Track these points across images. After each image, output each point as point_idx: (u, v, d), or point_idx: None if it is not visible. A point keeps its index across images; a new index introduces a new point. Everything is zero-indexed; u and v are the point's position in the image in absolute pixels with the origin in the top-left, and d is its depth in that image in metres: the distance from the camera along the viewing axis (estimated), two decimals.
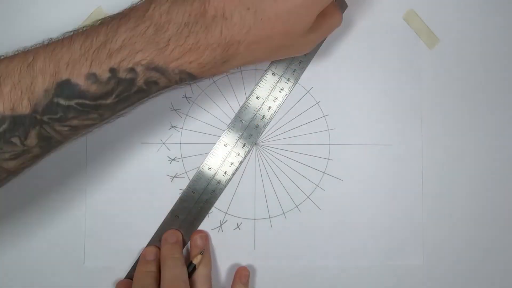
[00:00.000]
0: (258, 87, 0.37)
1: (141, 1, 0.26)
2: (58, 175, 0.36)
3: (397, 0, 0.38)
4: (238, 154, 0.37)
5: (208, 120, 0.38)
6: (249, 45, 0.26)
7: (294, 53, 0.31)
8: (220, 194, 0.37)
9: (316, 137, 0.38)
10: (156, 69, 0.25)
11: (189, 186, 0.37)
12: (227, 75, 0.38)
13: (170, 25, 0.25)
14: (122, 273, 0.37)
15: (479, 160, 0.39)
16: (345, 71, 0.38)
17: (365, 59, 0.38)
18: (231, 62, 0.27)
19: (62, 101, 0.25)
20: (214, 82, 0.38)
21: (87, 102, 0.25)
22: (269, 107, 0.37)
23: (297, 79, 0.37)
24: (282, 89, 0.37)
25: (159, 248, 0.36)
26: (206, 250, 0.35)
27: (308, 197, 0.38)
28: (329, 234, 0.38)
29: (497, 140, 0.39)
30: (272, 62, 0.37)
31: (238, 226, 0.37)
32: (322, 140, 0.38)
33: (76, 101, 0.25)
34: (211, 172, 0.37)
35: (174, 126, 0.37)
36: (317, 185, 0.38)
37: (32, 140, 0.26)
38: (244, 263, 0.37)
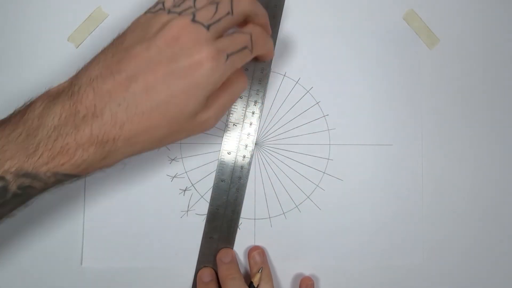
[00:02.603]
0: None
1: (24, 105, 0.26)
2: None
3: (397, 0, 0.38)
4: (244, 157, 0.37)
5: None
6: (127, 140, 0.26)
7: (194, 133, 0.29)
8: (242, 202, 0.37)
9: (316, 137, 0.38)
10: (26, 175, 0.25)
11: (211, 205, 0.37)
12: None
13: (40, 129, 0.25)
14: (120, 274, 0.36)
15: (479, 160, 0.39)
16: (345, 71, 0.38)
17: (365, 59, 0.38)
18: (112, 157, 0.27)
19: None
20: None
21: None
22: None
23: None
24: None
25: (213, 269, 0.36)
26: (264, 266, 0.35)
27: (308, 197, 0.38)
28: (329, 234, 0.38)
29: (497, 140, 0.39)
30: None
31: (238, 226, 0.37)
32: (322, 140, 0.38)
33: None
34: (225, 185, 0.37)
35: None
36: (317, 185, 0.38)
37: None
38: (244, 263, 0.37)
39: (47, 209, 0.36)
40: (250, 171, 0.37)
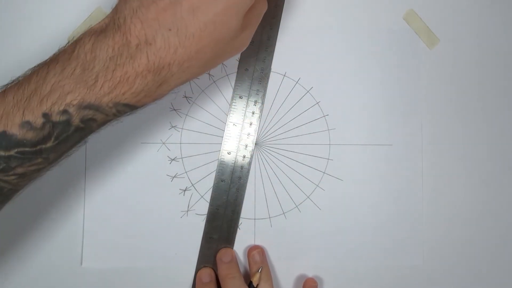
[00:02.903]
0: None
1: (68, 44, 0.27)
2: (56, 175, 0.36)
3: (397, 0, 0.38)
4: (244, 157, 0.37)
5: (208, 120, 0.38)
6: (181, 64, 0.26)
7: (231, 56, 0.30)
8: (242, 202, 0.37)
9: (316, 137, 0.38)
10: (89, 106, 0.26)
11: (211, 205, 0.37)
12: (227, 75, 0.38)
13: (96, 61, 0.25)
14: (120, 274, 0.36)
15: (479, 160, 0.39)
16: (345, 71, 0.38)
17: (365, 59, 0.38)
18: (167, 84, 0.27)
19: (2, 153, 0.25)
20: (214, 82, 0.38)
21: (27, 149, 0.26)
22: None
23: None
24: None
25: (213, 269, 0.37)
26: (264, 265, 0.36)
27: (308, 197, 0.38)
28: (329, 234, 0.38)
29: (497, 140, 0.39)
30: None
31: (238, 226, 0.37)
32: (322, 140, 0.38)
33: (16, 150, 0.26)
34: (225, 185, 0.37)
35: (174, 126, 0.37)
36: (317, 185, 0.38)
37: None
38: (244, 262, 0.37)
39: (47, 209, 0.36)
40: (250, 171, 0.37)
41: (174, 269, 0.37)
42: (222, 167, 0.37)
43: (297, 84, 0.38)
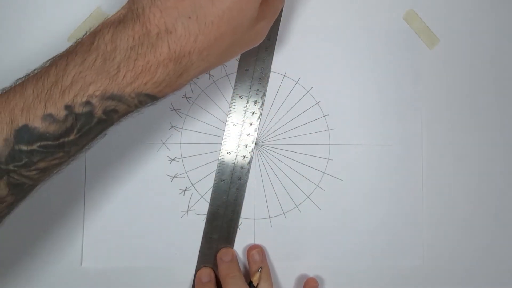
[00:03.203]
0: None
1: (86, 35, 0.27)
2: (56, 175, 0.36)
3: (397, 0, 0.38)
4: (244, 157, 0.37)
5: (208, 120, 0.38)
6: (201, 52, 0.26)
7: (247, 47, 0.31)
8: (242, 202, 0.37)
9: (316, 137, 0.38)
10: (112, 97, 0.25)
11: (211, 205, 0.37)
12: (227, 75, 0.38)
13: (117, 52, 0.25)
14: (120, 274, 0.37)
15: (479, 160, 0.39)
16: (345, 71, 0.38)
17: (365, 59, 0.38)
18: (187, 74, 0.27)
19: (24, 147, 0.25)
20: (214, 82, 0.38)
21: (50, 142, 0.25)
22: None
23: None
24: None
25: (212, 269, 0.37)
26: (264, 265, 0.36)
27: (308, 197, 0.38)
28: (329, 234, 0.38)
29: (497, 140, 0.39)
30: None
31: (238, 226, 0.37)
32: (322, 140, 0.38)
33: (38, 144, 0.25)
34: (225, 185, 0.37)
35: (174, 126, 0.37)
36: (317, 185, 0.38)
37: (2, 190, 0.26)
38: (244, 262, 0.37)
39: (47, 209, 0.36)
40: (250, 171, 0.37)
41: (174, 269, 0.37)
42: (222, 167, 0.37)
43: (297, 84, 0.38)
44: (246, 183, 0.37)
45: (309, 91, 0.38)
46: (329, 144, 0.38)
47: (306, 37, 0.38)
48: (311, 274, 0.37)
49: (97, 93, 0.25)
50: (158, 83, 0.26)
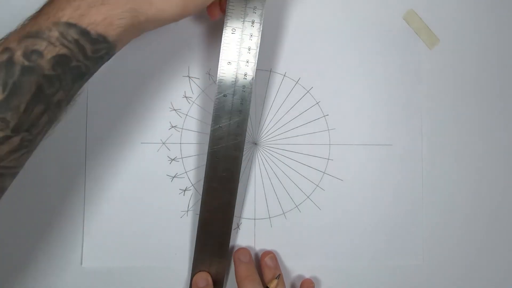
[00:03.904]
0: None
1: None
2: (56, 174, 0.36)
3: (397, 0, 0.38)
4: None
5: (208, 120, 0.37)
6: None
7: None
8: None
9: (316, 137, 0.38)
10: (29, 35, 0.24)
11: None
12: None
13: None
14: (120, 274, 0.37)
15: (479, 160, 0.39)
16: (345, 71, 0.38)
17: (365, 59, 0.38)
18: (146, 16, 0.26)
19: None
20: (214, 82, 0.38)
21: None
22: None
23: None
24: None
25: (208, 273, 0.36)
26: (279, 271, 0.35)
27: (308, 197, 0.38)
28: (329, 234, 0.38)
29: (496, 140, 0.39)
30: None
31: (238, 226, 0.37)
32: (322, 140, 0.38)
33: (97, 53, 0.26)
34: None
35: (174, 126, 0.37)
36: (317, 185, 0.38)
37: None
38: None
39: (47, 209, 0.36)
40: (250, 171, 0.37)
41: (174, 268, 0.37)
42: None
43: (297, 84, 0.38)
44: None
45: (309, 91, 0.38)
46: (329, 144, 0.38)
47: (306, 37, 0.38)
48: (311, 274, 0.37)
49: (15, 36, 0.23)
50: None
